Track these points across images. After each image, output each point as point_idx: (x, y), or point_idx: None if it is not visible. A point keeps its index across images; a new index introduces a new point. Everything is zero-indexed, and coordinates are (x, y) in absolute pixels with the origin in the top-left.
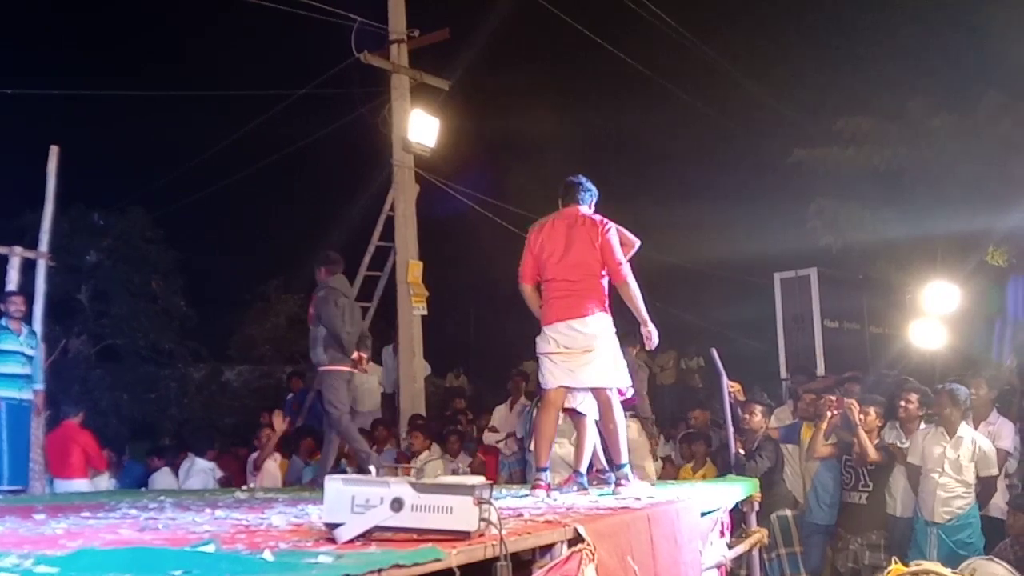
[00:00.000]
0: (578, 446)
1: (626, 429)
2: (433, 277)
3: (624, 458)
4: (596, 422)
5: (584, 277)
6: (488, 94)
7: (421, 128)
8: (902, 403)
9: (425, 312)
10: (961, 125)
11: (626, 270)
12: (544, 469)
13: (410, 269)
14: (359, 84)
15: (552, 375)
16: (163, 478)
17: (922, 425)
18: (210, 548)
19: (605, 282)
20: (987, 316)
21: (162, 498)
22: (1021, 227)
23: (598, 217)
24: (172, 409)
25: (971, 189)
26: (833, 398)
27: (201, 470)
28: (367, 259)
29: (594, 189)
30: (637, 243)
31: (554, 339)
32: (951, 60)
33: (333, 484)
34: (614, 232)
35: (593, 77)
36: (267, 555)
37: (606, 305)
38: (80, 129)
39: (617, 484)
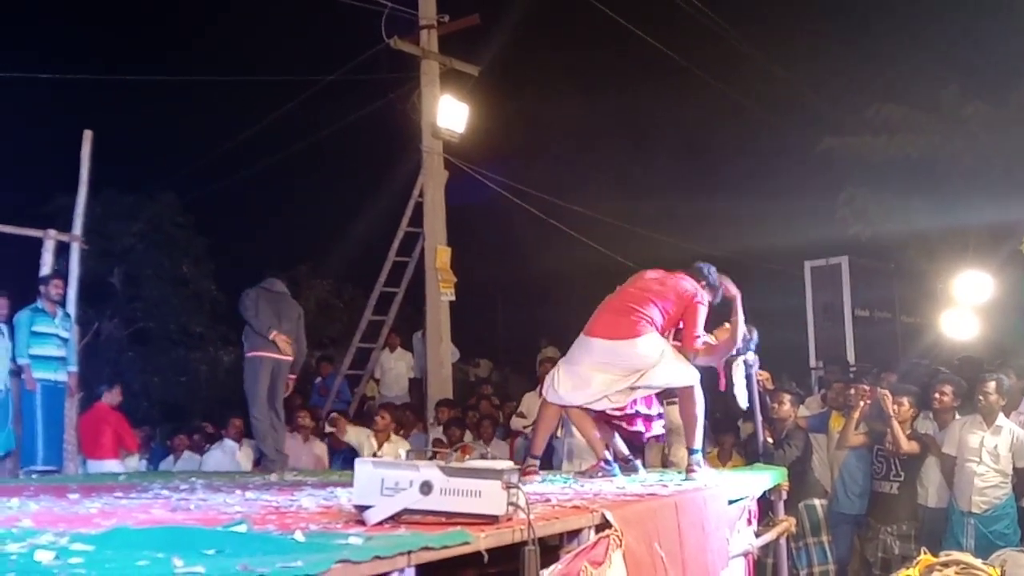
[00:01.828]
0: (588, 438)
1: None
2: (461, 263)
3: (698, 444)
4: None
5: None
6: (517, 80)
7: (450, 114)
8: (936, 395)
9: (453, 298)
10: (994, 115)
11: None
12: (537, 457)
13: (438, 255)
14: (389, 70)
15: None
16: (188, 461)
17: (956, 416)
18: (242, 528)
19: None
20: (1020, 306)
21: (193, 479)
22: None
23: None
24: (203, 392)
25: (1004, 179)
26: (866, 387)
27: (227, 450)
28: (396, 245)
29: (714, 277)
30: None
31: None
32: (984, 50)
33: (364, 467)
34: (703, 309)
35: (623, 64)
36: (298, 536)
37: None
38: (113, 114)
39: (689, 469)
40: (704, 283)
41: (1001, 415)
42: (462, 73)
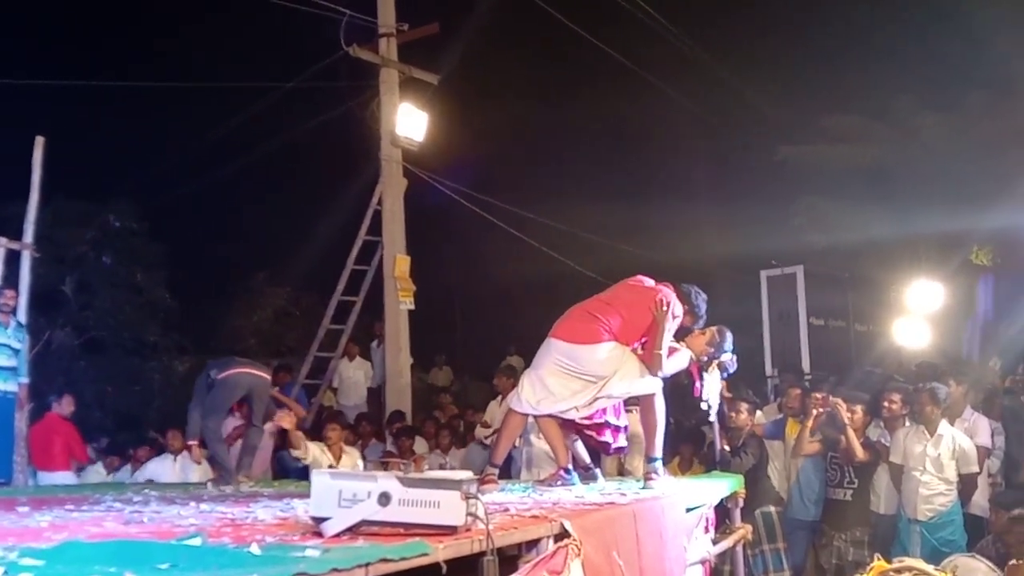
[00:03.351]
0: (552, 445)
1: (631, 423)
2: (420, 271)
3: (657, 453)
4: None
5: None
6: (476, 89)
7: (409, 122)
8: (885, 403)
9: (412, 307)
10: (946, 124)
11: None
12: (497, 466)
13: (397, 264)
14: (348, 78)
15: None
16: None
17: (906, 423)
18: (197, 541)
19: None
20: (971, 315)
21: (147, 491)
22: (1005, 226)
23: (671, 300)
24: (157, 401)
25: (956, 187)
26: (819, 396)
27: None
28: (355, 253)
29: (697, 306)
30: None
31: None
32: (937, 59)
33: (321, 478)
34: (671, 324)
35: (581, 73)
36: (254, 548)
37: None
38: (65, 120)
39: (647, 478)
40: (687, 307)
41: (944, 423)
42: (421, 81)
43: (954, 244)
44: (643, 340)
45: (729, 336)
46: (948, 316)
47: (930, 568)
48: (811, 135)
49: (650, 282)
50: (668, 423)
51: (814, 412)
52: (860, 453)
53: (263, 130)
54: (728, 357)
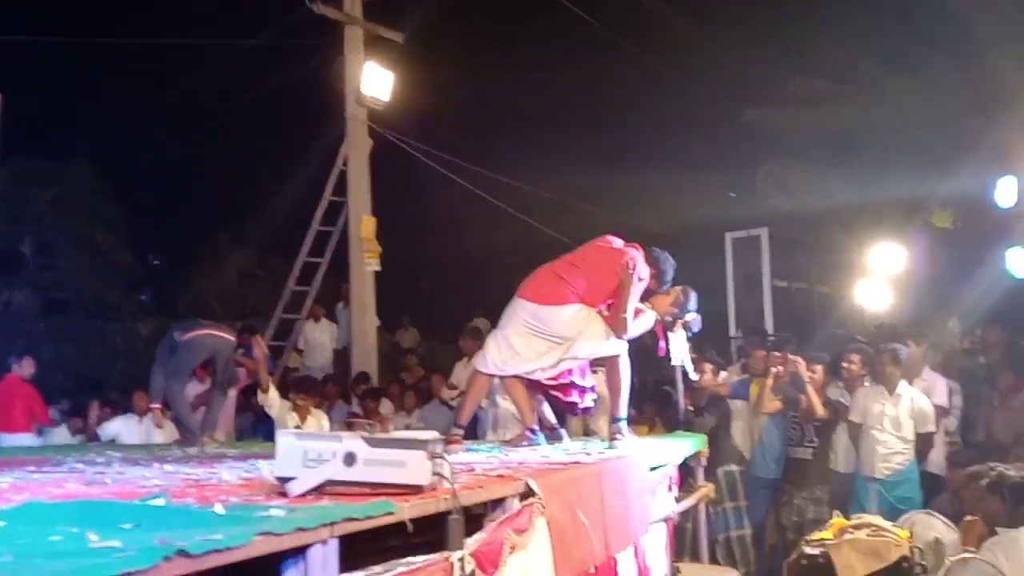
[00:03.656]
0: (519, 405)
1: (596, 384)
2: (387, 233)
3: (622, 413)
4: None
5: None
6: (444, 49)
7: (375, 81)
8: (845, 364)
9: (378, 268)
10: (912, 87)
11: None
12: (463, 426)
13: (363, 225)
14: (312, 35)
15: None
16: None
17: (866, 384)
18: (160, 502)
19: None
20: (932, 277)
21: (109, 452)
22: (966, 189)
23: (637, 262)
24: (120, 364)
25: (919, 151)
26: (779, 354)
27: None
28: (319, 214)
29: (664, 270)
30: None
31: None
32: (904, 21)
33: (286, 438)
34: (637, 288)
35: (551, 34)
36: (218, 508)
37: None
38: (24, 76)
39: (612, 438)
40: (654, 271)
41: (903, 383)
42: (387, 40)
43: (916, 207)
44: (609, 302)
45: (694, 296)
46: (909, 278)
47: (888, 524)
48: (778, 98)
49: (619, 243)
50: (633, 383)
51: (774, 370)
52: (820, 410)
53: (226, 88)
54: (692, 317)
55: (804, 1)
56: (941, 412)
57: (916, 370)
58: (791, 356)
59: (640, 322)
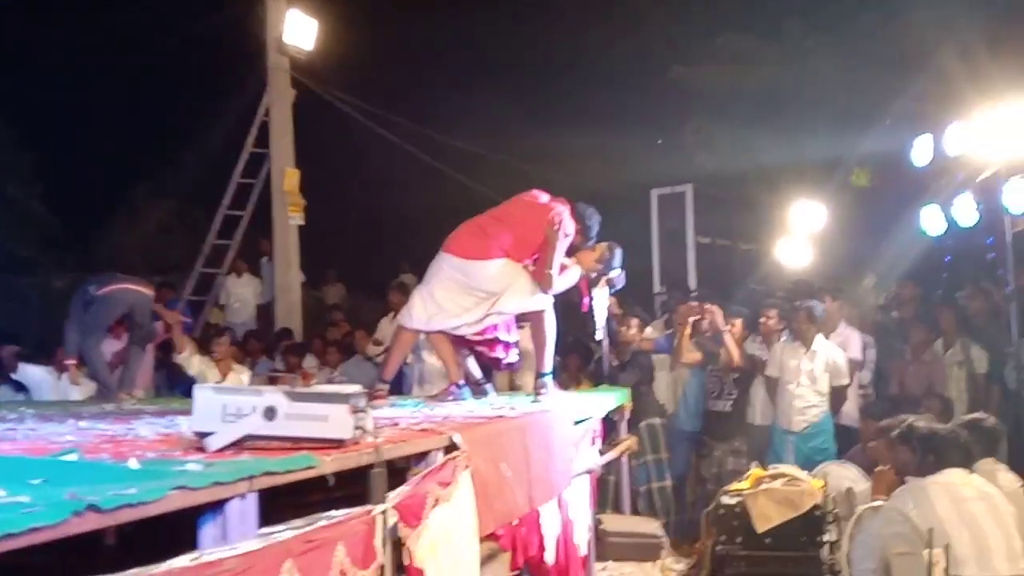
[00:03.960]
0: (445, 360)
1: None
2: (312, 186)
3: (547, 368)
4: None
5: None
6: None
7: (298, 30)
8: (762, 319)
9: (302, 222)
10: (834, 46)
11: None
12: (387, 382)
13: (287, 177)
14: None
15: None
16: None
17: (783, 338)
18: (72, 457)
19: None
20: (849, 234)
21: (23, 409)
22: (884, 148)
23: (563, 217)
24: (34, 319)
25: (840, 110)
26: (694, 304)
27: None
28: (240, 166)
29: (589, 225)
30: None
31: None
32: None
33: (203, 392)
34: (562, 244)
35: None
36: (132, 463)
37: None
38: None
39: (537, 392)
40: (580, 226)
41: (819, 337)
42: None
43: (836, 165)
44: (535, 257)
45: (618, 252)
46: (828, 236)
47: (803, 474)
48: (704, 55)
49: (545, 198)
50: (558, 338)
51: (691, 319)
52: (738, 357)
53: (142, 33)
54: (616, 273)
55: None
56: (855, 366)
57: (832, 325)
58: (707, 306)
59: (565, 277)
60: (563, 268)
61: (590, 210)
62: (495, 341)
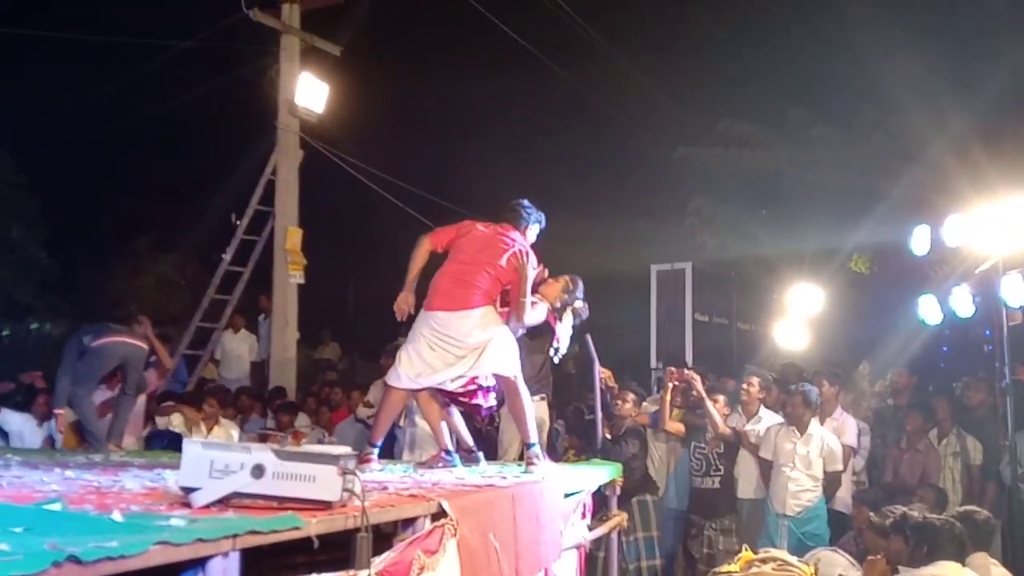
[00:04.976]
0: (433, 426)
1: (535, 409)
2: (314, 246)
3: (533, 437)
4: (448, 404)
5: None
6: (380, 63)
7: (309, 92)
8: (744, 387)
9: (302, 281)
10: (837, 136)
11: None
12: (376, 444)
13: (289, 236)
14: (247, 42)
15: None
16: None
17: (761, 409)
18: (56, 507)
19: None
20: (847, 319)
21: (8, 456)
22: (882, 237)
23: (527, 248)
24: (29, 366)
25: (840, 198)
26: (674, 370)
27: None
28: (245, 222)
29: (537, 216)
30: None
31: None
32: (833, 72)
33: (192, 447)
34: (532, 272)
35: (488, 54)
36: (116, 516)
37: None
38: None
39: (528, 463)
40: (525, 226)
41: (815, 422)
42: (324, 52)
43: (835, 252)
44: (506, 287)
45: (581, 284)
46: (826, 320)
47: (793, 559)
48: (709, 138)
49: (514, 233)
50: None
51: (670, 385)
52: (721, 425)
53: (156, 89)
54: (580, 305)
55: (737, 44)
56: (850, 452)
57: (829, 409)
58: (687, 371)
59: (536, 312)
60: (532, 305)
61: (521, 204)
62: (475, 390)
